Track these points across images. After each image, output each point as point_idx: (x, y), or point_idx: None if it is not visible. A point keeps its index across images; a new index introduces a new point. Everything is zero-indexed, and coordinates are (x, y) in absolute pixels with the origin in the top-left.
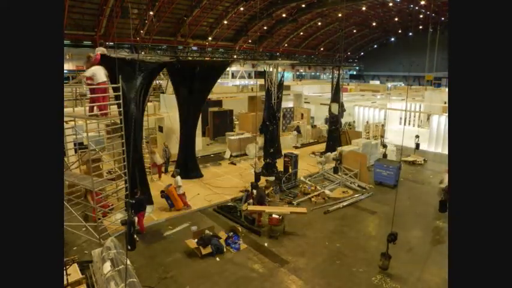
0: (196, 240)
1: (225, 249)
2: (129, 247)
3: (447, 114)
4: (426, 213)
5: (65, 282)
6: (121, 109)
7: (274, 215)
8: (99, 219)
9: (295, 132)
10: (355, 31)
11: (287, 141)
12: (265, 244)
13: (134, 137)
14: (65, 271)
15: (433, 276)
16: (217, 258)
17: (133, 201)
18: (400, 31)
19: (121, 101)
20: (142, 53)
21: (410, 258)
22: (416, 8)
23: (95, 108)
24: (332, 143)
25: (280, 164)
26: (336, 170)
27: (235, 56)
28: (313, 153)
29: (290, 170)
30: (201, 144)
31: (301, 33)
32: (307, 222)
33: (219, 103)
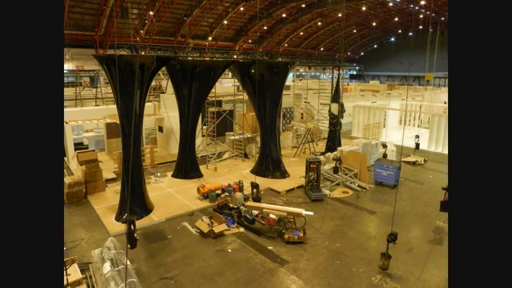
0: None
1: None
2: (129, 246)
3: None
4: (426, 213)
5: (65, 282)
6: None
7: (271, 215)
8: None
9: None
10: (355, 31)
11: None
12: (265, 244)
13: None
14: (65, 271)
15: (433, 276)
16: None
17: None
18: (400, 31)
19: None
20: (142, 53)
21: (410, 258)
22: (416, 8)
23: None
24: (332, 143)
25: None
26: (336, 170)
27: (235, 56)
28: (313, 153)
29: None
30: (201, 144)
31: (301, 33)
32: (307, 222)
33: (219, 103)
